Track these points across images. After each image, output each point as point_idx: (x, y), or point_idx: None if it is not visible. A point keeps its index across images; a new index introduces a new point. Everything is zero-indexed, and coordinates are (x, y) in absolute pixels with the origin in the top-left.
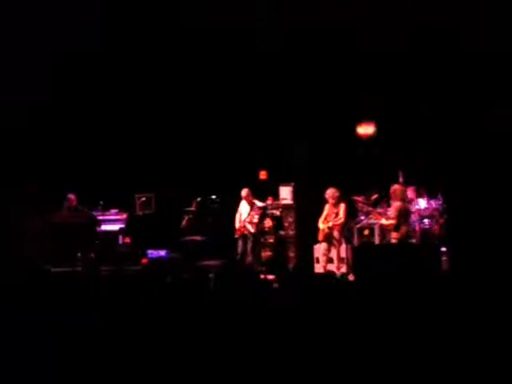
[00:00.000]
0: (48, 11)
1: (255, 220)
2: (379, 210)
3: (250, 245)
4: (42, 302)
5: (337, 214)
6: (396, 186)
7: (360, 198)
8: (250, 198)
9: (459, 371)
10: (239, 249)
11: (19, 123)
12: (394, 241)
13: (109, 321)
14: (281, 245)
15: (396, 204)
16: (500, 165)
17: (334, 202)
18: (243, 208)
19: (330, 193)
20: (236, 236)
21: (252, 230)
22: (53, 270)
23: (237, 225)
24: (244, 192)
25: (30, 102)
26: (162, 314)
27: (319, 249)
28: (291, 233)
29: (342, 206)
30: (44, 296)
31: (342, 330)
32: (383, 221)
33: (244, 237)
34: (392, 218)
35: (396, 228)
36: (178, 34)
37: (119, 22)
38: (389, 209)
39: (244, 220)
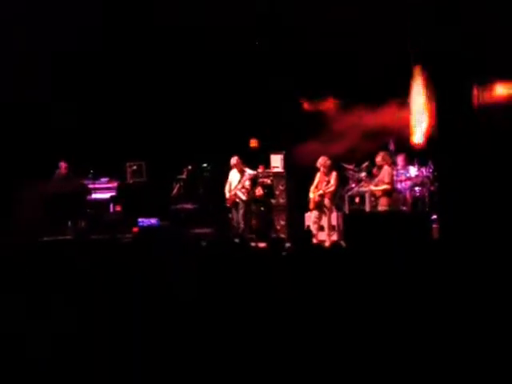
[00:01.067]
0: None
1: (247, 187)
2: (369, 178)
3: (241, 212)
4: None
5: (328, 182)
6: (383, 152)
7: (350, 166)
8: (241, 166)
9: (452, 345)
10: (233, 217)
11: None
12: (384, 208)
13: (100, 290)
14: (272, 213)
15: (388, 169)
16: (491, 134)
17: (325, 170)
18: (233, 176)
19: (322, 161)
20: (227, 205)
21: (244, 197)
22: (44, 239)
23: (227, 194)
24: (234, 160)
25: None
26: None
27: (310, 217)
28: (282, 201)
29: (334, 174)
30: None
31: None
32: (376, 187)
33: (235, 205)
34: (387, 183)
35: (388, 194)
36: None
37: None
38: (379, 175)
39: (235, 188)
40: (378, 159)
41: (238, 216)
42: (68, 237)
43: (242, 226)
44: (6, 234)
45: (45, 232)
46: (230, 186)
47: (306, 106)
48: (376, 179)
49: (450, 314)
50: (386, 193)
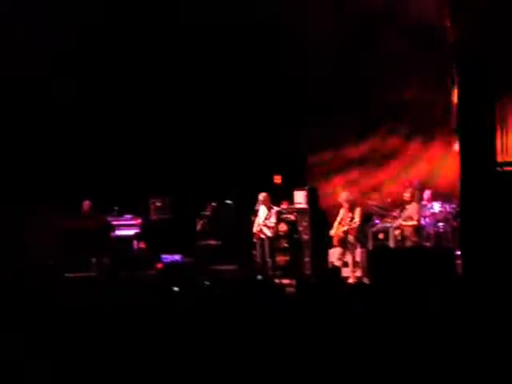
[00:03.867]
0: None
1: (272, 224)
2: (394, 214)
3: (267, 249)
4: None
5: (352, 218)
6: (412, 189)
7: (374, 202)
8: (268, 203)
9: (471, 374)
10: (257, 253)
11: (31, 125)
12: (411, 244)
13: (125, 325)
14: (295, 249)
15: (417, 206)
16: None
17: (348, 205)
18: (261, 212)
19: (345, 197)
20: (254, 240)
21: (269, 233)
22: (67, 275)
23: (254, 229)
24: (262, 196)
25: (43, 104)
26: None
27: (334, 253)
28: (306, 237)
29: (358, 210)
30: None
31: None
32: (407, 222)
33: (261, 241)
34: (416, 220)
35: (417, 230)
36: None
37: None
38: (408, 211)
39: (261, 224)
40: (407, 195)
41: (262, 252)
42: (92, 273)
43: (269, 262)
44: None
45: (68, 268)
46: (258, 220)
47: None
48: (404, 215)
49: (472, 346)
50: (414, 229)
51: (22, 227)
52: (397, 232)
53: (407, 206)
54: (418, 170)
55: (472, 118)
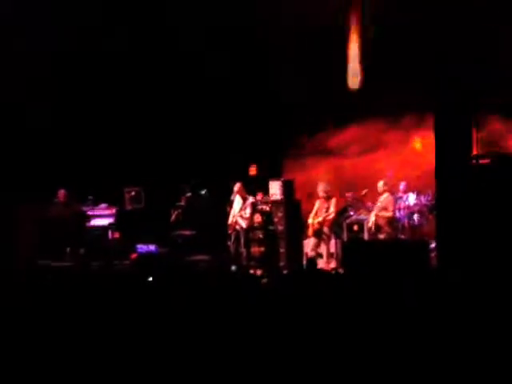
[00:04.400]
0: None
1: (247, 215)
2: (368, 205)
3: (242, 240)
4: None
5: (327, 209)
6: (384, 179)
7: (349, 193)
8: (243, 193)
9: (446, 367)
10: (231, 244)
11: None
12: (386, 235)
13: (100, 317)
14: (270, 240)
15: (390, 197)
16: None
17: (325, 196)
18: (236, 203)
19: (322, 188)
20: (229, 231)
21: (244, 225)
22: (40, 262)
23: (230, 220)
24: (237, 186)
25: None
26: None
27: (308, 244)
28: (281, 228)
29: (334, 201)
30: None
31: (332, 327)
32: (382, 213)
33: (236, 232)
34: (391, 211)
35: (391, 222)
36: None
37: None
38: (382, 202)
39: (236, 215)
40: (380, 186)
41: (237, 243)
42: (66, 263)
43: (244, 252)
44: (4, 259)
45: (42, 257)
46: (234, 212)
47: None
48: (378, 206)
49: (446, 340)
50: (389, 221)
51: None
52: (371, 223)
53: (381, 197)
54: (394, 162)
55: (448, 109)
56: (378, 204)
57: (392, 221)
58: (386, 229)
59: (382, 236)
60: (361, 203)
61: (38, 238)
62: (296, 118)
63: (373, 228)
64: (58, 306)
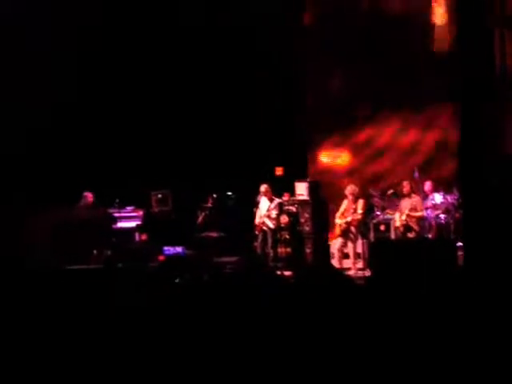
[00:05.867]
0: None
1: (274, 216)
2: (395, 205)
3: (269, 241)
4: (57, 300)
5: (355, 210)
6: (410, 181)
7: (376, 193)
8: (270, 194)
9: (472, 370)
10: (258, 245)
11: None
12: (415, 235)
13: (126, 318)
14: (297, 241)
15: (419, 198)
16: None
17: (353, 198)
18: (263, 204)
19: (350, 189)
20: (256, 232)
21: (271, 225)
22: (68, 267)
23: (256, 221)
24: (263, 187)
25: (45, 100)
26: (179, 314)
27: (335, 244)
28: (307, 229)
29: (361, 202)
30: (59, 294)
31: (356, 328)
32: (412, 213)
33: (263, 233)
34: (420, 210)
35: (421, 222)
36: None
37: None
38: (411, 203)
39: (263, 216)
40: (406, 188)
41: (263, 244)
42: (93, 266)
43: (271, 254)
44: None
45: (69, 261)
46: (260, 212)
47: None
48: (406, 207)
49: (473, 340)
50: (418, 221)
51: (23, 220)
52: (399, 223)
53: (408, 198)
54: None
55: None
56: (406, 204)
57: (421, 221)
58: (416, 229)
59: (410, 235)
60: (387, 203)
61: (64, 239)
62: (321, 118)
63: (401, 228)
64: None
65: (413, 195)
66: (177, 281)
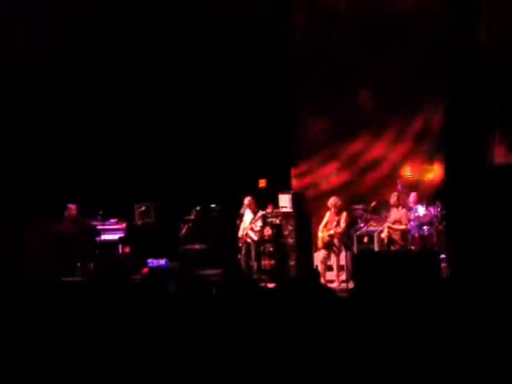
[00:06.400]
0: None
1: (257, 228)
2: (379, 217)
3: (253, 253)
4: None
5: (338, 222)
6: (397, 193)
7: (359, 206)
8: (254, 206)
9: (460, 378)
10: (242, 257)
11: (19, 131)
12: (398, 247)
13: (111, 330)
14: (281, 253)
15: (404, 210)
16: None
17: (336, 210)
18: (246, 216)
19: (333, 201)
20: (239, 244)
21: (255, 237)
22: (51, 280)
23: (240, 233)
24: (247, 200)
25: (29, 108)
26: (164, 325)
27: (318, 257)
28: (291, 241)
29: (344, 215)
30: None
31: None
32: (396, 226)
33: (247, 245)
34: (404, 224)
35: (404, 235)
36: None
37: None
38: (395, 215)
39: (246, 228)
40: (393, 200)
41: (247, 256)
42: (77, 278)
43: (255, 266)
44: (14, 272)
45: (53, 273)
46: (244, 225)
47: None
48: (391, 219)
49: (459, 350)
50: (402, 234)
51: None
52: (383, 235)
53: (394, 210)
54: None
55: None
56: (392, 216)
57: (405, 233)
58: (399, 241)
59: (393, 248)
60: (370, 215)
61: (48, 252)
62: (306, 128)
63: (385, 240)
64: (67, 320)
65: (398, 208)
66: (162, 292)
